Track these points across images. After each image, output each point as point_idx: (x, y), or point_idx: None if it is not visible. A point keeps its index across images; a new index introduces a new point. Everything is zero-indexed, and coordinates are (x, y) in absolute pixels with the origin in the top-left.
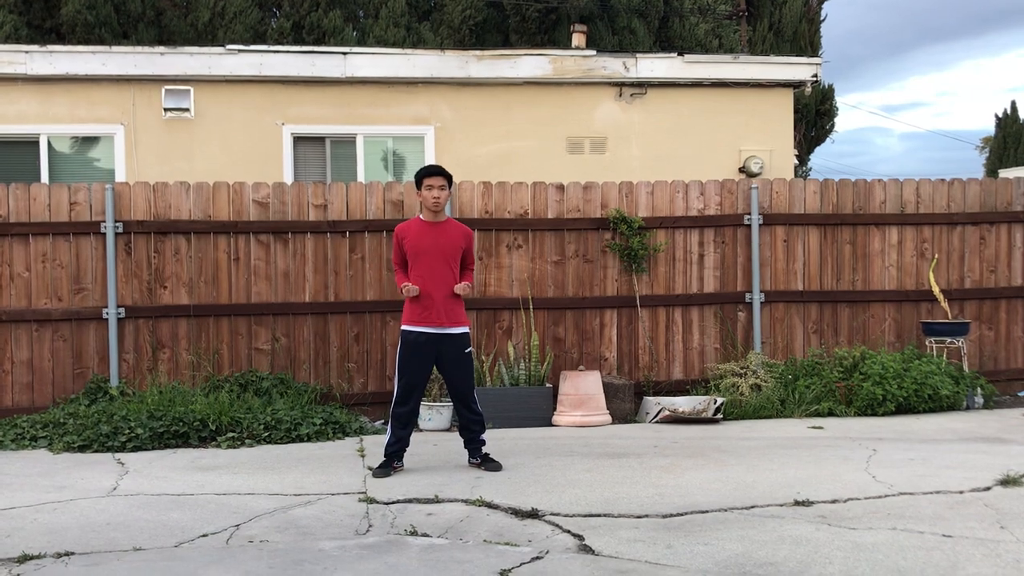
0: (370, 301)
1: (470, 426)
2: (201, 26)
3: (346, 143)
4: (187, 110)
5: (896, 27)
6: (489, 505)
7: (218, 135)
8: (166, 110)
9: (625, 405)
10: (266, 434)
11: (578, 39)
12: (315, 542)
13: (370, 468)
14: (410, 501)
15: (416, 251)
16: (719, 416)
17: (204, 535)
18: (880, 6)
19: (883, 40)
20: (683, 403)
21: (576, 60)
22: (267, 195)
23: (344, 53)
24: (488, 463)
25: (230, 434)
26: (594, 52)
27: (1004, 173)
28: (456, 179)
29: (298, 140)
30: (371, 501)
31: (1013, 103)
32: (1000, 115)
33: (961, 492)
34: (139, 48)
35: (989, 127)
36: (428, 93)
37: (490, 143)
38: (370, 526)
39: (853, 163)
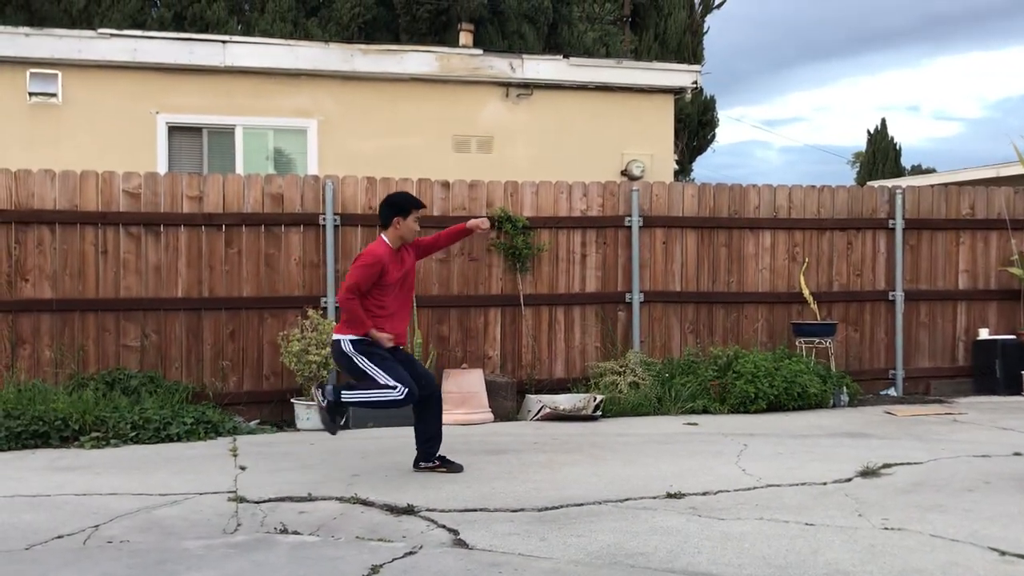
0: (247, 297)
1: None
2: (76, 12)
3: (224, 134)
4: (54, 95)
5: (779, 44)
6: (364, 502)
7: (87, 122)
8: (31, 94)
9: (507, 403)
10: (133, 434)
11: (465, 38)
12: (179, 542)
13: (242, 468)
14: (282, 500)
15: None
16: (598, 413)
17: (59, 536)
18: (764, 23)
19: (766, 56)
20: (564, 401)
21: (463, 59)
22: (139, 185)
23: (223, 42)
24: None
25: (94, 434)
26: (481, 51)
27: None
28: (340, 174)
29: (173, 130)
30: (241, 500)
31: (883, 120)
32: (871, 131)
33: (824, 484)
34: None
35: (861, 143)
36: (312, 86)
37: (375, 139)
38: (239, 525)
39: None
